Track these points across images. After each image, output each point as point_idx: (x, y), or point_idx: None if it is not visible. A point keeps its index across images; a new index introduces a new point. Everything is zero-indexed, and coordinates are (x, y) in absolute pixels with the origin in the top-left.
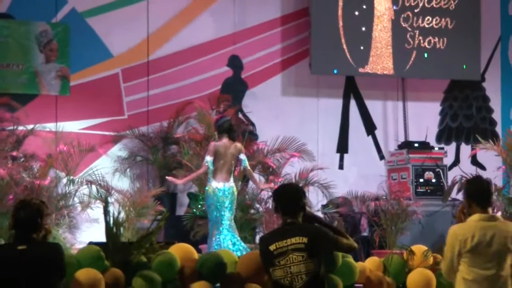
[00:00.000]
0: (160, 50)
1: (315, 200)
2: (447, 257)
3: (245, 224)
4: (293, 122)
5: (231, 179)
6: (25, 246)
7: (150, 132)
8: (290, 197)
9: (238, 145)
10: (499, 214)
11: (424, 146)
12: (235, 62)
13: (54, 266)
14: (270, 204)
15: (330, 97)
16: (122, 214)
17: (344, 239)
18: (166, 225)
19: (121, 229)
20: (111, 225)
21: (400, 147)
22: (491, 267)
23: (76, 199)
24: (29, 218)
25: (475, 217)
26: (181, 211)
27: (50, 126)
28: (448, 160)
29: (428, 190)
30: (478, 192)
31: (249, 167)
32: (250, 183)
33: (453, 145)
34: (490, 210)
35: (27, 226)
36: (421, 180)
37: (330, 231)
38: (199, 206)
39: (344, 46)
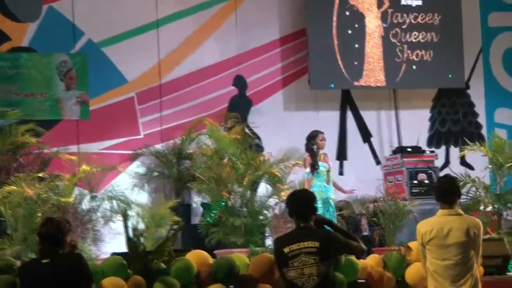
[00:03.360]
0: (171, 73)
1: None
2: (417, 249)
3: (255, 229)
4: (296, 134)
5: None
6: (48, 260)
7: (165, 149)
8: (302, 202)
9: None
10: (488, 209)
11: (417, 150)
12: (240, 82)
13: (77, 275)
14: (277, 210)
15: (328, 109)
16: (142, 225)
17: (354, 243)
18: (183, 233)
19: (141, 239)
20: (132, 236)
21: (395, 152)
22: (449, 258)
23: (99, 214)
24: (50, 234)
25: (439, 212)
26: (196, 220)
27: (73, 148)
28: (439, 162)
29: (422, 191)
30: (440, 191)
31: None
32: (259, 191)
33: (443, 148)
34: (455, 205)
35: (50, 241)
36: (415, 181)
37: (340, 235)
38: (212, 215)
39: (340, 62)
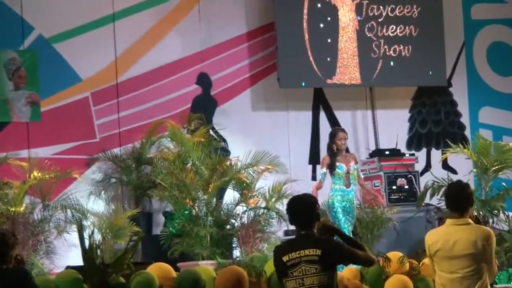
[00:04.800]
0: (129, 71)
1: None
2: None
3: (221, 240)
4: (265, 136)
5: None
6: None
7: (123, 154)
8: (303, 208)
9: None
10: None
11: (395, 153)
12: (203, 80)
13: None
14: (245, 219)
15: (299, 109)
16: (99, 236)
17: (360, 252)
18: (143, 245)
19: (98, 251)
20: (88, 248)
21: (372, 155)
22: (456, 271)
23: (52, 224)
24: None
25: (447, 222)
26: (157, 230)
27: (23, 153)
28: (419, 166)
29: (402, 197)
30: (448, 197)
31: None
32: (225, 198)
33: (424, 150)
34: (466, 214)
35: None
36: (394, 187)
37: (345, 243)
38: (175, 224)
39: (311, 59)
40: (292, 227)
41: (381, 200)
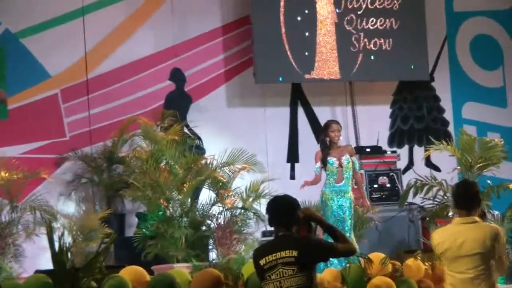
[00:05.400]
0: (99, 67)
1: None
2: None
3: (197, 242)
4: (241, 133)
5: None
6: None
7: (94, 153)
8: (283, 208)
9: None
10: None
11: (376, 150)
12: (177, 75)
13: None
14: (222, 220)
15: (277, 105)
16: (69, 239)
17: (340, 245)
18: (116, 247)
19: (68, 254)
20: (57, 251)
21: None
22: (464, 271)
23: (20, 227)
24: None
25: (454, 220)
26: (130, 232)
27: None
28: (401, 164)
29: (383, 196)
30: (456, 196)
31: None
32: (201, 198)
33: (406, 147)
34: (473, 212)
35: None
36: (375, 185)
37: (323, 239)
38: (149, 226)
39: (288, 53)
40: (271, 228)
41: (367, 204)
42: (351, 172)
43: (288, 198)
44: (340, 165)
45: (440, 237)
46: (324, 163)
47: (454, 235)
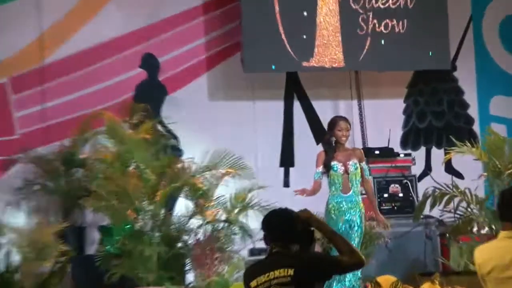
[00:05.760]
0: (57, 51)
1: (256, 226)
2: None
3: (171, 261)
4: (225, 132)
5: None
6: None
7: (49, 154)
8: (279, 221)
9: None
10: (484, 231)
11: (387, 153)
12: (149, 62)
13: None
14: (201, 235)
15: (269, 99)
16: (18, 257)
17: (344, 258)
18: (74, 267)
19: (17, 275)
20: (4, 270)
21: None
22: None
23: None
24: None
25: (500, 234)
26: (91, 249)
27: None
28: (417, 169)
29: (395, 207)
30: (501, 206)
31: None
32: (176, 209)
33: (422, 150)
34: None
35: None
36: (386, 195)
37: (323, 253)
38: (114, 242)
39: (283, 36)
40: (261, 246)
41: (381, 218)
42: (359, 180)
43: (287, 210)
44: (346, 171)
45: (484, 254)
46: (327, 167)
47: (501, 252)
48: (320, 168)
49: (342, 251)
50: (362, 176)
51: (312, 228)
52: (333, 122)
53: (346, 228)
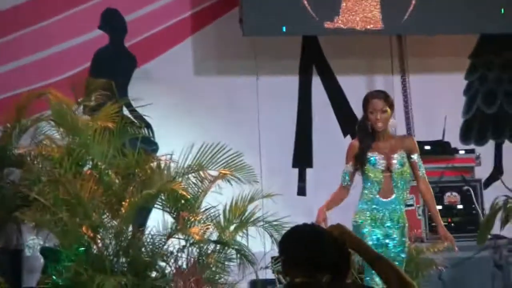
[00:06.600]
0: None
1: (260, 249)
2: None
3: None
4: (218, 119)
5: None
6: None
7: None
8: (301, 243)
9: None
10: None
11: (441, 149)
12: (113, 21)
13: None
14: (184, 262)
15: (278, 73)
16: None
17: (393, 280)
18: None
19: None
20: None
21: None
22: None
23: None
24: None
25: None
26: (31, 279)
27: None
28: (483, 171)
29: (452, 224)
30: None
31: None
32: (149, 225)
33: (491, 144)
34: None
35: None
36: (439, 206)
37: (364, 285)
38: (63, 270)
39: None
40: (270, 276)
41: (449, 236)
42: (408, 181)
43: (314, 227)
44: (389, 169)
45: None
46: (362, 162)
47: None
48: (349, 166)
49: (390, 282)
50: (415, 173)
51: (348, 250)
52: (365, 101)
53: (381, 246)
